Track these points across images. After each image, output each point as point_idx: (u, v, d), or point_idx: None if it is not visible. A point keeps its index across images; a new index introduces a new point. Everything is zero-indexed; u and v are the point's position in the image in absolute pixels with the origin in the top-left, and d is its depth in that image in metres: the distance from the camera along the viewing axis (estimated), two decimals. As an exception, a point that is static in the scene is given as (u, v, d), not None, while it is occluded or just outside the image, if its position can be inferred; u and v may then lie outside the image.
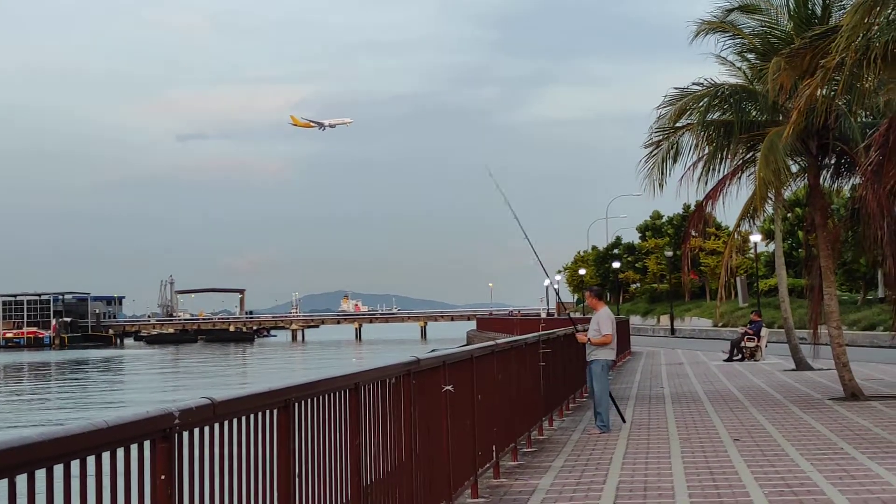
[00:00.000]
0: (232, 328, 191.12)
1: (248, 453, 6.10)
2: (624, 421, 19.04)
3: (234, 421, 5.93)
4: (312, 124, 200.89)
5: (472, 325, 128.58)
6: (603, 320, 18.43)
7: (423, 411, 10.06)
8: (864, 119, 24.29)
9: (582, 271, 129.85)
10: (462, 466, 11.67)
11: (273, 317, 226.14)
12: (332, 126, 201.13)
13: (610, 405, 18.62)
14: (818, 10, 23.62)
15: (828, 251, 24.23)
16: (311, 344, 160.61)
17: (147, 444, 4.93)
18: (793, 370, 33.15)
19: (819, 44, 18.60)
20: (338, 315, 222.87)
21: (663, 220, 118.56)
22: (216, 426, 5.67)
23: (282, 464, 6.58)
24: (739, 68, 27.44)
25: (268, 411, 6.42)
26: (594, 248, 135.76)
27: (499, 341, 15.30)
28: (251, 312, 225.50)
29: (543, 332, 19.22)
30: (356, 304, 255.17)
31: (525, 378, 16.81)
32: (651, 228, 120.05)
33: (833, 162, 24.90)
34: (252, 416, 6.18)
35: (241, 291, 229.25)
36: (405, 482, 9.32)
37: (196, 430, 5.44)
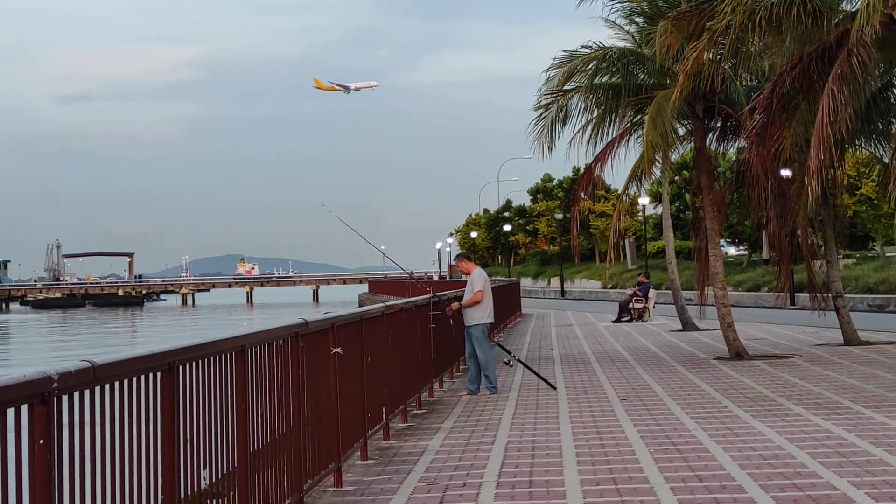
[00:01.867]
0: (121, 292, 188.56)
1: (131, 418, 6.02)
2: (554, 387, 18.70)
3: (116, 385, 5.84)
4: (338, 87, 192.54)
5: (365, 288, 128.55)
6: (476, 279, 18.36)
7: (312, 374, 10.02)
8: (749, 83, 24.62)
9: (474, 234, 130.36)
10: (352, 429, 11.65)
11: (163, 280, 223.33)
12: (357, 90, 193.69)
13: (497, 365, 18.62)
14: (705, -25, 23.86)
15: (714, 213, 24.58)
16: (201, 308, 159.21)
17: (24, 408, 4.84)
18: (679, 331, 33.66)
19: (706, 7, 18.79)
20: (229, 279, 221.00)
21: (554, 182, 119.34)
22: (97, 390, 5.58)
23: (166, 428, 6.50)
24: (628, 31, 27.64)
25: (151, 375, 6.33)
26: (486, 210, 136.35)
27: (389, 303, 15.28)
28: (140, 276, 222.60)
29: (434, 293, 19.21)
30: (251, 268, 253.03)
31: (415, 340, 16.83)
32: (542, 191, 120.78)
33: (719, 125, 25.23)
34: (135, 379, 6.09)
35: (130, 255, 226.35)
36: (294, 446, 9.28)
37: (76, 394, 5.35)
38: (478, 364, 18.27)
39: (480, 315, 18.37)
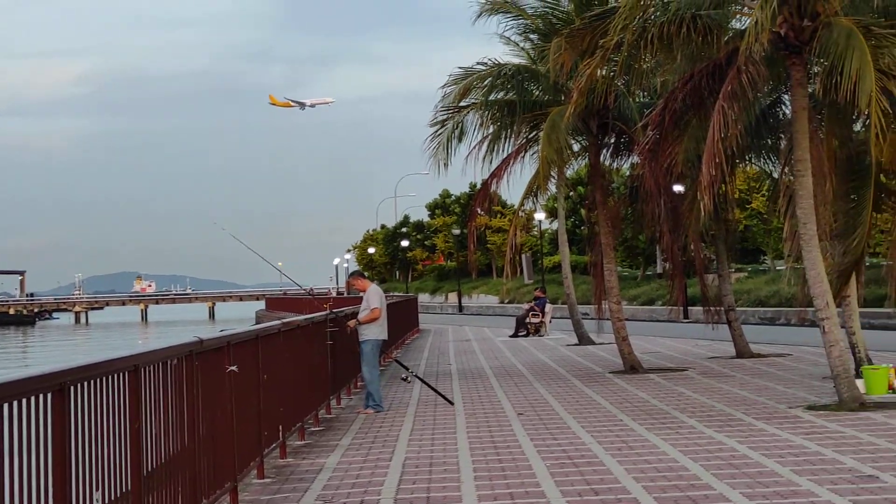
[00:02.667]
0: (12, 311, 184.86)
1: (21, 440, 5.91)
2: (451, 403, 18.70)
3: (5, 406, 5.74)
4: (293, 104, 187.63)
5: (262, 304, 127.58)
6: (371, 296, 18.32)
7: (208, 393, 9.93)
8: (642, 99, 24.95)
9: (371, 250, 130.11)
10: (248, 447, 11.57)
11: (55, 299, 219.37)
12: (312, 106, 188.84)
13: (384, 385, 18.57)
14: (598, -8, 24.16)
15: (608, 228, 24.84)
16: (95, 326, 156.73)
17: None
18: (576, 345, 33.93)
19: (598, 25, 18.99)
20: (123, 296, 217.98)
21: (452, 198, 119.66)
22: (-15, 413, 5.47)
23: (57, 450, 6.39)
24: (523, 48, 27.86)
25: (41, 395, 6.23)
26: (383, 226, 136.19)
27: (285, 320, 15.21)
28: (32, 294, 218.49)
29: (331, 310, 19.14)
30: (148, 285, 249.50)
31: (312, 357, 16.76)
32: (440, 207, 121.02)
33: (613, 141, 25.52)
34: (25, 400, 5.98)
35: (21, 273, 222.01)
36: (189, 465, 9.19)
37: (-37, 418, 5.24)
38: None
39: (373, 331, 18.30)
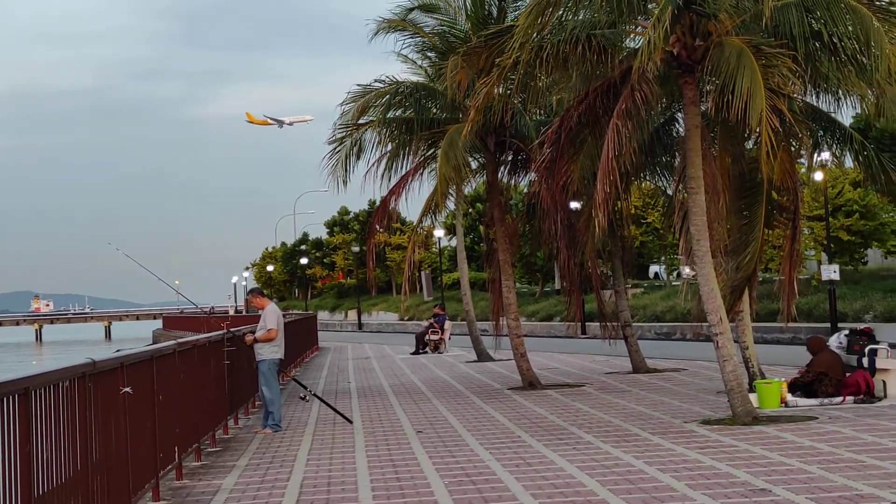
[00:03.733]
0: None
1: None
2: (350, 421, 18.64)
3: None
4: (271, 122, 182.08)
5: (160, 323, 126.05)
6: (268, 316, 18.19)
7: (101, 415, 9.78)
8: (538, 117, 25.14)
9: (270, 268, 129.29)
10: (143, 469, 11.41)
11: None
12: (290, 124, 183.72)
13: (282, 404, 18.46)
14: (494, 11, 24.32)
15: (506, 245, 24.98)
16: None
17: None
18: (475, 361, 34.02)
19: (495, 43, 19.10)
20: (17, 316, 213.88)
21: (351, 215, 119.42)
22: None
23: (-57, 476, 6.25)
24: (421, 66, 27.91)
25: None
26: (283, 244, 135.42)
27: (181, 340, 15.05)
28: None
29: (228, 329, 18.96)
30: (46, 305, 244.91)
31: (209, 377, 16.60)
32: (339, 224, 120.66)
33: (510, 158, 25.67)
34: None
35: None
36: (82, 489, 9.03)
37: None
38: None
39: (270, 350, 18.14)
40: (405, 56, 27.56)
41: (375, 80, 25.26)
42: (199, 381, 15.64)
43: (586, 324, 44.59)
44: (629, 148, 16.58)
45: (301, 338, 38.33)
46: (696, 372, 25.21)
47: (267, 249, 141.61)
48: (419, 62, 27.81)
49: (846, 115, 20.92)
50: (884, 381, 17.59)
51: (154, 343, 35.88)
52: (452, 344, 42.24)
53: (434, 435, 16.42)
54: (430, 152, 25.83)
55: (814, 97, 18.77)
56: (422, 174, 26.42)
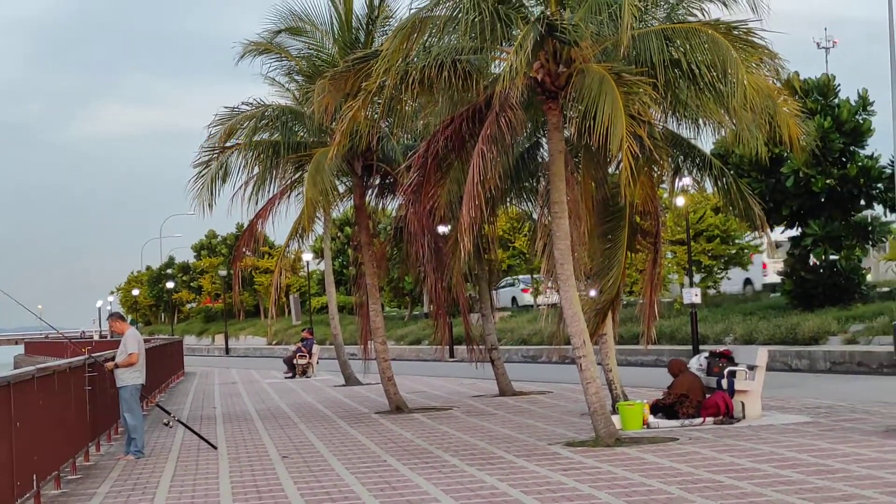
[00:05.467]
0: None
1: None
2: (215, 447, 18.39)
3: None
4: None
5: (21, 349, 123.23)
6: (129, 340, 17.89)
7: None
8: (406, 141, 25.20)
9: (136, 292, 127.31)
10: (-2, 499, 11.14)
11: None
12: None
13: (146, 430, 18.17)
14: (361, 36, 24.37)
15: (374, 269, 24.98)
16: None
17: None
18: (343, 385, 33.91)
19: (362, 67, 19.13)
20: None
21: (218, 239, 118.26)
22: None
23: None
24: (288, 89, 27.81)
25: None
26: (148, 267, 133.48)
27: (41, 366, 14.76)
28: None
29: (90, 355, 18.63)
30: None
31: (70, 403, 16.28)
32: (207, 248, 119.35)
33: (378, 182, 25.68)
34: None
35: None
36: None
37: None
38: (135, 425, 17.81)
39: (131, 376, 17.82)
40: (272, 79, 27.43)
41: (243, 103, 25.13)
42: (60, 408, 15.35)
43: (454, 347, 44.76)
44: (494, 172, 16.72)
45: (166, 363, 37.82)
46: (562, 394, 25.46)
47: (132, 273, 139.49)
48: (286, 85, 27.71)
49: (706, 142, 21.40)
50: (742, 403, 17.96)
51: (15, 368, 35.14)
52: (321, 368, 42.04)
53: (300, 460, 16.33)
54: (297, 176, 25.71)
55: (674, 124, 19.16)
56: (289, 197, 26.29)
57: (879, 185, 37.24)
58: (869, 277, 42.17)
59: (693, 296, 35.85)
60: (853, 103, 37.68)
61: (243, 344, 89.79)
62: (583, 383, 16.47)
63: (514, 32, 16.60)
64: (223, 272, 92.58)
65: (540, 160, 21.40)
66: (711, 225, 46.31)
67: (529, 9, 17.01)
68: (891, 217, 38.97)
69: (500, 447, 16.45)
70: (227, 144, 25.08)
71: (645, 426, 17.49)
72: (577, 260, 17.41)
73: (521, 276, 62.52)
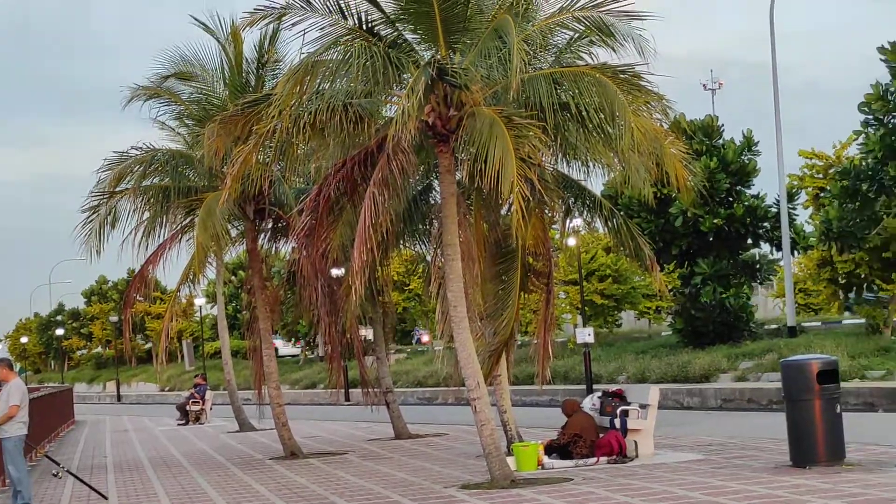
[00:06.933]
0: None
1: None
2: (105, 497, 18.02)
3: None
4: None
5: None
6: (12, 392, 17.45)
7: None
8: (298, 185, 25.15)
9: (24, 339, 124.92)
10: None
11: None
12: None
13: (33, 482, 17.74)
14: (252, 79, 24.28)
15: (267, 313, 24.82)
16: None
17: None
18: (237, 431, 33.57)
19: (253, 111, 19.08)
20: None
21: (109, 284, 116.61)
22: None
23: None
24: (179, 133, 27.59)
25: None
26: (37, 314, 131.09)
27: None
28: None
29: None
30: None
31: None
32: (97, 293, 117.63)
33: (270, 226, 25.58)
34: None
35: None
36: None
37: None
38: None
39: (14, 427, 17.35)
40: (162, 123, 27.18)
41: (132, 147, 24.94)
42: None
43: (349, 390, 44.57)
44: (386, 216, 16.74)
45: (55, 411, 37.10)
46: (458, 436, 25.46)
47: (21, 321, 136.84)
48: (177, 129, 27.47)
49: (596, 183, 21.68)
50: (635, 442, 18.11)
51: None
52: (214, 414, 41.57)
53: (192, 509, 16.09)
54: (187, 220, 25.52)
55: (564, 166, 19.37)
56: (180, 242, 26.08)
57: (766, 223, 38.04)
58: (757, 315, 42.88)
59: (586, 335, 36.15)
60: (738, 144, 38.47)
61: (135, 391, 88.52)
62: (477, 425, 16.48)
63: (405, 76, 16.67)
64: (114, 318, 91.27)
65: (432, 203, 21.47)
66: (603, 265, 46.84)
67: (420, 53, 17.11)
68: (777, 255, 39.75)
69: (395, 491, 16.38)
70: (117, 189, 24.83)
71: (540, 467, 17.55)
72: (470, 301, 17.46)
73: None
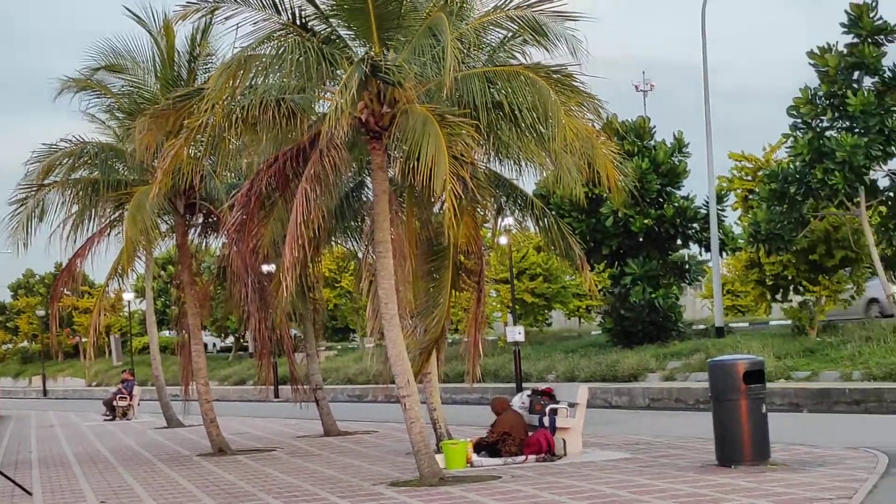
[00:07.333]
0: None
1: None
2: (30, 493, 17.80)
3: None
4: None
5: None
6: None
7: None
8: (230, 180, 25.01)
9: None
10: None
11: None
12: None
13: None
14: (184, 73, 24.08)
15: (196, 309, 24.66)
16: None
17: None
18: (164, 427, 33.32)
19: (184, 104, 18.92)
20: None
21: (36, 278, 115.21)
22: None
23: None
24: (109, 126, 27.32)
25: None
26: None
27: None
28: None
29: None
30: None
31: None
32: (24, 287, 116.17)
33: (201, 221, 25.42)
34: None
35: None
36: None
37: None
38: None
39: None
40: (92, 115, 26.91)
41: (62, 140, 24.67)
42: None
43: (279, 387, 44.39)
44: (318, 212, 16.66)
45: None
46: (387, 434, 25.45)
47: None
48: (107, 122, 27.20)
49: (529, 182, 21.74)
50: (563, 440, 18.20)
51: None
52: (142, 410, 41.26)
53: (118, 505, 15.97)
54: (117, 214, 25.31)
55: (497, 164, 19.42)
56: (109, 236, 25.87)
57: (695, 225, 38.39)
58: (685, 315, 43.26)
59: (517, 334, 36.26)
60: (669, 145, 38.79)
61: (62, 385, 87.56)
62: (407, 423, 16.47)
63: (338, 73, 16.63)
64: (41, 312, 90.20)
65: (364, 200, 21.44)
66: (534, 264, 47.04)
67: (354, 49, 17.08)
68: (706, 256, 40.15)
69: (323, 488, 16.34)
70: (45, 182, 24.55)
71: (468, 465, 17.58)
72: (401, 299, 17.45)
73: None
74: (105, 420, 39.22)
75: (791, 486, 13.39)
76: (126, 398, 40.25)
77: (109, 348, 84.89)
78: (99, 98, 25.44)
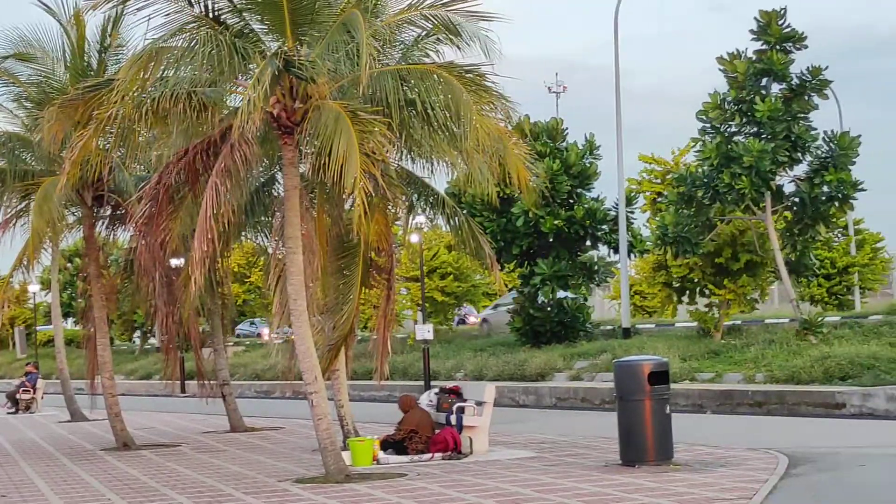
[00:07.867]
0: None
1: None
2: None
3: None
4: None
5: None
6: None
7: None
8: (139, 172, 24.74)
9: None
10: None
11: None
12: None
13: None
14: (94, 63, 23.79)
15: (102, 302, 24.38)
16: None
17: None
18: (68, 421, 32.89)
19: (94, 95, 18.70)
20: None
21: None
22: None
23: None
24: (17, 116, 26.90)
25: None
26: None
27: None
28: None
29: None
30: None
31: None
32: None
33: (108, 213, 25.13)
34: None
35: None
36: None
37: None
38: None
39: None
40: (1, 105, 26.51)
41: (-34, 129, 24.23)
42: None
43: (185, 382, 43.99)
44: (228, 206, 16.57)
45: None
46: (294, 430, 25.37)
47: None
48: (15, 111, 26.78)
49: (440, 181, 21.80)
50: (470, 438, 18.29)
51: None
52: (46, 403, 40.64)
53: (19, 500, 15.77)
54: (23, 205, 24.94)
55: (409, 163, 19.46)
56: (14, 227, 25.46)
57: (604, 226, 38.67)
58: (593, 316, 43.59)
59: (426, 332, 36.31)
60: (580, 147, 39.06)
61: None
62: (314, 419, 16.46)
63: (251, 67, 16.56)
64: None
65: (275, 195, 21.36)
66: (445, 262, 47.13)
67: (267, 44, 17.01)
68: (615, 257, 40.48)
69: (228, 484, 16.26)
70: (-51, 170, 24.14)
71: (375, 462, 17.60)
72: (310, 295, 17.41)
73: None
74: (8, 413, 38.61)
75: (693, 486, 13.59)
76: (29, 391, 39.62)
77: (13, 340, 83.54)
78: (7, 87, 25.08)
